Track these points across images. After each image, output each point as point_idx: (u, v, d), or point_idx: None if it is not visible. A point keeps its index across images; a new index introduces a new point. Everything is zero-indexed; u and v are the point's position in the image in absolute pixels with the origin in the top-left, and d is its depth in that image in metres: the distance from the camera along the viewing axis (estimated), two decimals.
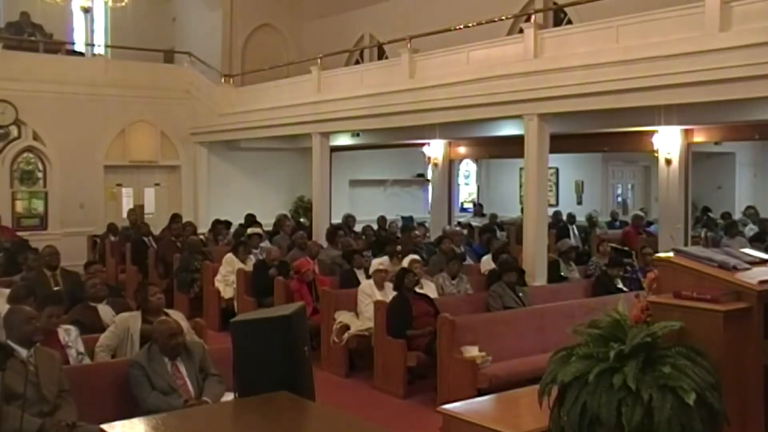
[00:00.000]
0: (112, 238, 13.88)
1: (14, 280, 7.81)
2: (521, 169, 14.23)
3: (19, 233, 13.64)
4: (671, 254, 4.15)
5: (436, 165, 13.72)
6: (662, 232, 10.59)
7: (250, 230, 12.14)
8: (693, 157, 10.74)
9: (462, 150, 14.90)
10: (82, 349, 5.52)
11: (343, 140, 14.54)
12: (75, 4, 15.42)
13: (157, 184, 16.92)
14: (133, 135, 16.17)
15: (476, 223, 15.30)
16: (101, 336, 5.83)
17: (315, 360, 6.42)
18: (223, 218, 14.78)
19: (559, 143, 10.47)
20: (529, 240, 9.64)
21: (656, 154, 10.31)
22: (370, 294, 8.12)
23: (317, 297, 8.80)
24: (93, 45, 18.21)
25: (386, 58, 14.79)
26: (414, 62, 11.54)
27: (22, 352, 4.64)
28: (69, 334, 5.50)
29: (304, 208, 16.77)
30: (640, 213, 14.57)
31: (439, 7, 14.45)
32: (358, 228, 13.57)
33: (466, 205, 19.28)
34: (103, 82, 15.57)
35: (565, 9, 12.63)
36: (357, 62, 16.61)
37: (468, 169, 19.45)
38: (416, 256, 9.20)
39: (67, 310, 6.51)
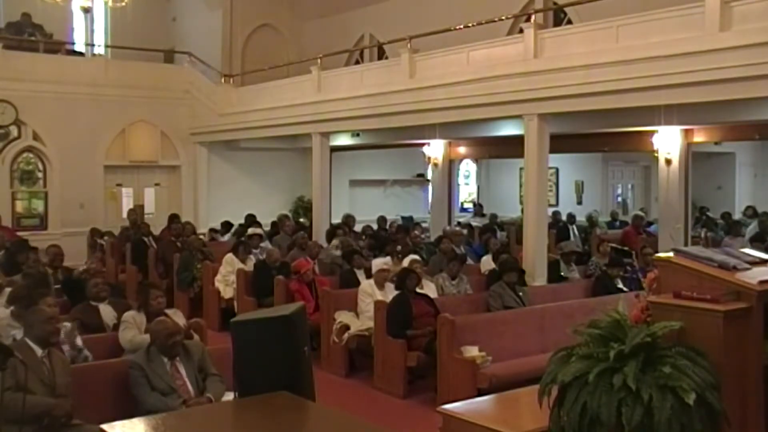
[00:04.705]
0: (100, 241, 13.90)
1: (14, 279, 7.81)
2: (521, 169, 14.23)
3: (19, 233, 13.63)
4: (671, 254, 4.14)
5: (436, 165, 13.72)
6: (662, 232, 10.59)
7: (250, 230, 12.15)
8: (693, 157, 10.75)
9: (462, 150, 14.91)
10: (80, 343, 5.55)
11: (343, 140, 14.54)
12: (75, 4, 15.42)
13: (157, 184, 16.93)
14: (133, 135, 16.17)
15: (476, 223, 15.29)
16: (122, 334, 5.86)
17: (315, 360, 6.42)
18: (223, 219, 14.82)
19: (559, 143, 10.47)
20: (529, 240, 9.64)
21: (656, 154, 10.32)
22: (371, 293, 8.13)
23: (317, 297, 8.81)
24: (93, 45, 18.21)
25: (386, 58, 14.79)
26: (414, 62, 11.54)
27: (38, 351, 4.71)
28: (64, 328, 5.51)
29: (304, 208, 16.77)
30: (640, 213, 14.58)
31: (439, 7, 14.45)
32: (358, 228, 13.56)
33: (466, 205, 19.27)
34: (103, 82, 15.58)
35: (565, 9, 12.63)
36: (357, 62, 16.61)
37: (468, 169, 19.45)
38: (416, 257, 9.21)
39: (68, 309, 6.54)
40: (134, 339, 5.77)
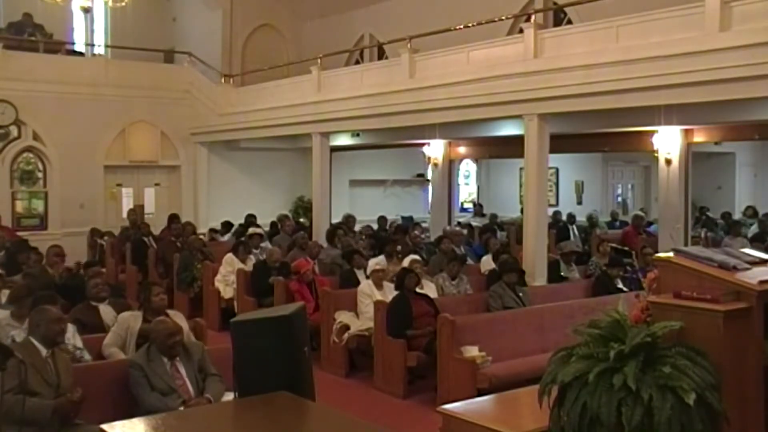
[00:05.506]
0: (100, 241, 13.91)
1: (15, 280, 7.81)
2: (521, 169, 14.22)
3: (19, 233, 13.63)
4: (671, 254, 4.14)
5: (436, 165, 13.72)
6: (662, 232, 10.59)
7: (250, 230, 12.15)
8: (693, 157, 10.74)
9: (462, 150, 14.90)
10: (80, 344, 5.56)
11: (343, 140, 14.54)
12: (75, 4, 15.41)
13: (157, 184, 16.92)
14: (133, 135, 16.17)
15: (476, 223, 15.29)
16: (106, 337, 5.87)
17: (315, 360, 6.43)
18: (223, 219, 14.81)
19: (559, 143, 10.47)
20: (529, 240, 9.64)
21: (656, 154, 10.31)
22: (370, 294, 8.13)
23: (317, 297, 8.81)
24: (93, 45, 18.20)
25: (386, 58, 14.79)
26: (414, 62, 11.54)
27: (42, 350, 4.71)
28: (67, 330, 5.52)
29: (304, 208, 16.77)
30: (640, 213, 14.56)
31: (439, 7, 14.45)
32: (357, 228, 13.56)
33: (466, 205, 19.27)
34: (103, 82, 15.57)
35: (565, 9, 12.62)
36: (357, 62, 16.61)
37: (468, 169, 19.44)
38: (416, 257, 9.21)
39: (68, 309, 6.53)
40: (106, 349, 5.78)
